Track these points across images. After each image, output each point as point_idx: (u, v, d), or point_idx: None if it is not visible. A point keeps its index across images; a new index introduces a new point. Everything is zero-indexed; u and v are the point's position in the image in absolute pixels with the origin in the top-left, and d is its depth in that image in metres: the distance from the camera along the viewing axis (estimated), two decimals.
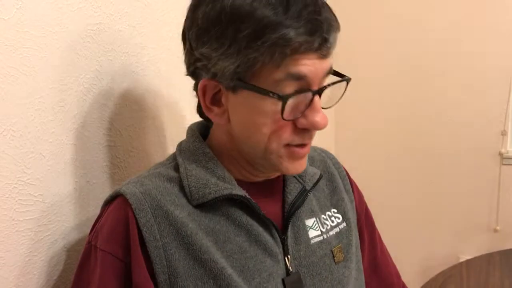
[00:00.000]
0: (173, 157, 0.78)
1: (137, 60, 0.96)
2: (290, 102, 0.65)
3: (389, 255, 0.96)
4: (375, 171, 2.23)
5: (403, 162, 2.25)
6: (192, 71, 0.72)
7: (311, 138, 0.71)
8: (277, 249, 0.73)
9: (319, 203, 0.83)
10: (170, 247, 0.67)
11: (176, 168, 0.74)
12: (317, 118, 0.67)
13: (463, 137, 2.15)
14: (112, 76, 0.89)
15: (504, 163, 2.14)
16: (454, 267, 1.35)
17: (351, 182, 0.91)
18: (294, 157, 0.71)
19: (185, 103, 1.07)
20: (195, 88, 0.74)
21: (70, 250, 0.82)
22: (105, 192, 0.88)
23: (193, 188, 0.71)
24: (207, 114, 0.72)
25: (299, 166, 0.72)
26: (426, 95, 2.17)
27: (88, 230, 0.75)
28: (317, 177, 0.82)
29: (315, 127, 0.68)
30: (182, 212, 0.69)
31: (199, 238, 0.68)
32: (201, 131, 0.79)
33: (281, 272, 0.73)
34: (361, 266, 0.86)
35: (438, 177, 2.21)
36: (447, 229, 2.23)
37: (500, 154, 2.14)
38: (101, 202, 0.76)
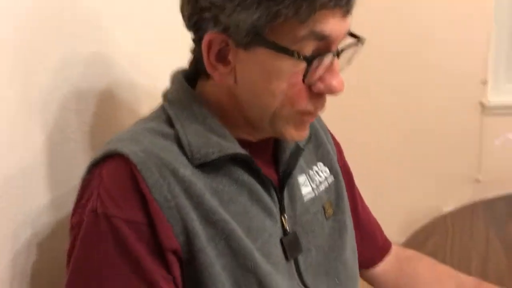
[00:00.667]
0: (162, 110, 0.71)
1: (109, 38, 0.90)
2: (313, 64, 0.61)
3: (369, 209, 0.94)
4: (354, 125, 2.20)
5: (382, 115, 2.22)
6: (195, 22, 0.64)
7: (324, 105, 0.67)
8: (275, 209, 0.70)
9: (305, 159, 0.80)
10: (183, 207, 0.61)
11: (169, 123, 0.68)
12: (335, 82, 0.63)
13: (443, 87, 2.12)
14: (80, 56, 0.83)
15: (485, 112, 2.12)
16: (438, 219, 1.34)
17: (331, 135, 0.89)
18: (301, 125, 0.67)
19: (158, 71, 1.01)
20: (196, 42, 0.68)
21: (37, 223, 0.75)
22: (72, 157, 0.82)
23: (194, 147, 0.65)
24: (210, 72, 0.65)
25: (304, 133, 0.69)
26: (405, 45, 2.12)
27: (58, 202, 0.70)
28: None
29: (333, 91, 0.64)
30: (187, 171, 0.63)
31: (207, 198, 0.63)
32: (188, 82, 0.72)
33: (279, 232, 0.70)
34: (351, 219, 0.84)
35: (418, 129, 2.19)
36: (429, 181, 2.23)
37: (481, 103, 2.12)
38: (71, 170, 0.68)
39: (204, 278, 0.62)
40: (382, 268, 0.95)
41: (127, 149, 0.62)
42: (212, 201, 0.63)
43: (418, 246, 1.17)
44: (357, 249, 0.86)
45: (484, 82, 2.10)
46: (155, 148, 0.63)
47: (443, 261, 1.02)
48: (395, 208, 2.22)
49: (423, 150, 2.20)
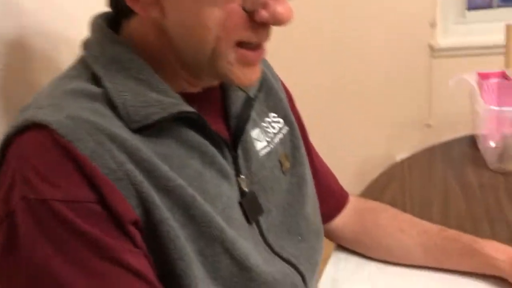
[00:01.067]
0: (83, 65, 0.59)
1: None
2: None
3: (323, 160, 0.89)
4: (303, 74, 2.12)
5: (331, 61, 2.15)
6: None
7: (268, 36, 0.57)
8: (230, 170, 0.63)
9: (257, 110, 0.72)
10: (134, 175, 0.51)
11: (96, 81, 0.57)
12: (281, 8, 0.54)
13: (392, 30, 2.07)
14: None
15: (434, 55, 2.09)
16: (395, 166, 1.29)
17: (282, 82, 0.81)
18: (247, 63, 0.57)
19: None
20: None
21: None
22: None
23: (130, 108, 0.54)
24: (131, 4, 0.55)
25: (253, 74, 0.59)
26: None
27: None
28: (257, 80, 0.69)
29: (279, 20, 0.54)
30: (127, 135, 0.53)
31: (157, 164, 0.54)
32: (111, 27, 0.61)
33: (236, 194, 0.63)
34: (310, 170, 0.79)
35: (366, 74, 2.15)
36: (380, 129, 2.20)
37: (430, 46, 2.08)
38: None
39: (169, 251, 0.53)
40: (341, 221, 0.90)
41: (49, 117, 0.51)
42: (162, 167, 0.54)
43: (377, 195, 1.12)
44: None
45: (433, 25, 2.05)
46: (83, 113, 0.52)
47: (403, 208, 0.97)
48: (347, 158, 2.20)
49: (372, 96, 2.16)
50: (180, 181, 0.55)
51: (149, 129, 0.55)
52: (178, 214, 0.54)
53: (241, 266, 0.59)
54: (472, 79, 1.31)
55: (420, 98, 2.14)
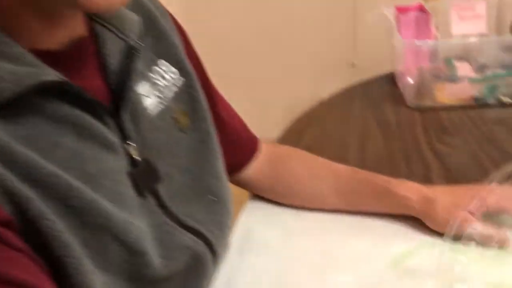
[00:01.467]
0: None
1: None
2: None
3: (230, 106, 0.81)
4: (224, 17, 2.03)
5: (251, 3, 2.06)
6: None
7: None
8: (114, 138, 0.54)
9: (143, 59, 0.61)
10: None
11: None
12: None
13: None
14: None
15: None
16: (316, 106, 1.26)
17: (173, 19, 0.70)
18: None
19: None
20: None
21: None
22: None
23: None
24: None
25: None
26: None
27: None
28: (137, 24, 0.59)
29: None
30: None
31: (18, 150, 0.45)
32: None
33: (124, 165, 0.55)
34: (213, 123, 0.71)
35: (289, 15, 2.08)
36: (305, 70, 2.17)
37: None
38: None
39: (55, 248, 0.46)
40: (253, 170, 0.84)
41: None
42: (26, 154, 0.46)
43: (295, 139, 1.09)
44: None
45: None
46: None
47: (321, 151, 0.93)
48: (273, 101, 2.15)
49: (296, 36, 2.11)
50: (50, 167, 0.47)
51: (4, 109, 0.45)
52: (54, 206, 0.47)
53: (132, 251, 0.52)
54: (390, 13, 1.27)
55: (344, 37, 2.11)
